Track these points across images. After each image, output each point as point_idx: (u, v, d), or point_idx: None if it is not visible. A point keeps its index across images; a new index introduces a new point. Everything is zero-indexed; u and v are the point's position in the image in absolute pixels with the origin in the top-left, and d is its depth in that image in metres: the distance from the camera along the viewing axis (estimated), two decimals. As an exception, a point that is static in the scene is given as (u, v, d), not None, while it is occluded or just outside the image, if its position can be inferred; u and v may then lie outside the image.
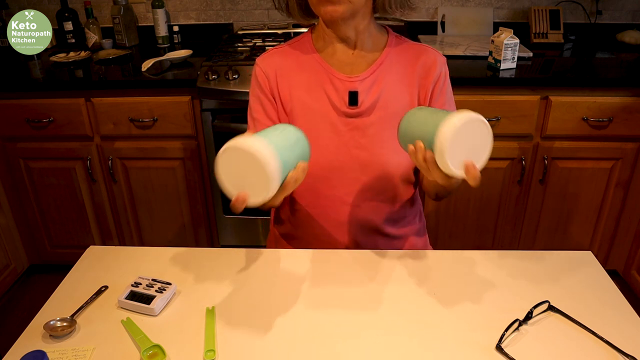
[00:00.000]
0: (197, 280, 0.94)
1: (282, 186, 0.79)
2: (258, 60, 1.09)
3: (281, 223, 1.18)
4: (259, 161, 0.71)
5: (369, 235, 1.10)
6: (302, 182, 1.05)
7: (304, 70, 1.05)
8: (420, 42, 2.07)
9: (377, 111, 1.03)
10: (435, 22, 2.29)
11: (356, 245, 1.10)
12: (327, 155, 1.04)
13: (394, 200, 1.09)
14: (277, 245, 1.20)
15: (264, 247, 1.17)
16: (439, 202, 1.98)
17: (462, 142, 0.76)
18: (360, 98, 1.03)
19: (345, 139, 1.04)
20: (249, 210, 2.01)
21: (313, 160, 1.03)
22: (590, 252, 1.01)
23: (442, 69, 1.05)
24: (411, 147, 0.82)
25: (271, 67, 1.06)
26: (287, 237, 1.18)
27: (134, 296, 0.87)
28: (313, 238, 1.12)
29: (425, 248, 1.21)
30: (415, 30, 2.30)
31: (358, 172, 1.05)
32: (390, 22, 2.27)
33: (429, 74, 1.04)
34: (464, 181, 0.82)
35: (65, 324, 0.83)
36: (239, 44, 2.11)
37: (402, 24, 2.28)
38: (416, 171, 1.09)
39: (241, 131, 0.80)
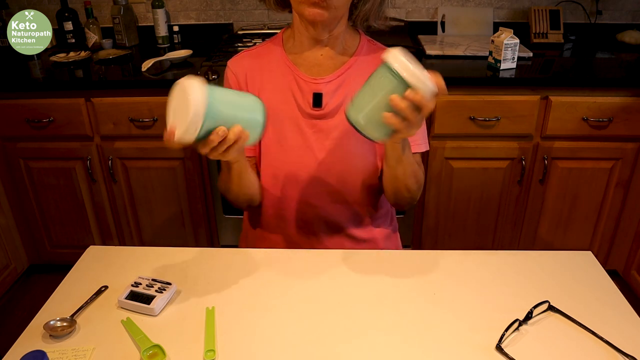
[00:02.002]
0: (197, 280, 0.94)
1: (206, 140, 0.79)
2: (229, 62, 1.09)
3: (252, 223, 1.19)
4: (187, 96, 0.75)
5: (335, 237, 1.11)
6: (268, 181, 1.06)
7: (272, 71, 1.05)
8: (419, 42, 2.06)
9: (342, 114, 1.03)
10: (435, 22, 2.29)
11: (322, 246, 1.11)
12: (292, 156, 1.04)
13: (359, 203, 1.09)
14: (247, 244, 1.21)
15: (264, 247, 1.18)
16: (439, 202, 1.98)
17: (409, 61, 0.78)
18: (324, 100, 1.03)
19: (309, 141, 1.04)
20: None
21: (277, 161, 1.04)
22: (590, 252, 1.01)
23: None
24: (387, 114, 0.79)
25: (241, 69, 1.07)
26: (256, 236, 1.19)
27: (134, 296, 0.87)
28: (280, 238, 1.13)
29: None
30: (415, 30, 2.30)
31: (323, 174, 1.05)
32: (390, 22, 2.27)
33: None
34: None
35: (65, 324, 0.83)
36: (239, 44, 2.11)
37: (403, 23, 2.29)
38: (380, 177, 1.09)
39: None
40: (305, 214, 1.09)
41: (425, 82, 0.77)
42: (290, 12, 1.03)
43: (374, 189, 1.10)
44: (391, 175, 1.01)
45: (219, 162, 0.95)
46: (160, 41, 2.29)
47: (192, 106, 0.74)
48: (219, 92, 0.80)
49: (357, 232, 1.12)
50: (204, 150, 0.81)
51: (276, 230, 1.13)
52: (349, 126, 1.01)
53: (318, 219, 1.09)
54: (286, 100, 1.04)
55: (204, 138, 0.79)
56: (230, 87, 1.07)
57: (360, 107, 0.81)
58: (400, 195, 1.04)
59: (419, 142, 1.06)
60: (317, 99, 1.03)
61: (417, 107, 0.78)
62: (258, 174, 1.10)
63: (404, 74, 0.77)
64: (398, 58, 0.77)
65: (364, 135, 0.83)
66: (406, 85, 0.77)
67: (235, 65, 1.08)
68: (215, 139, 0.79)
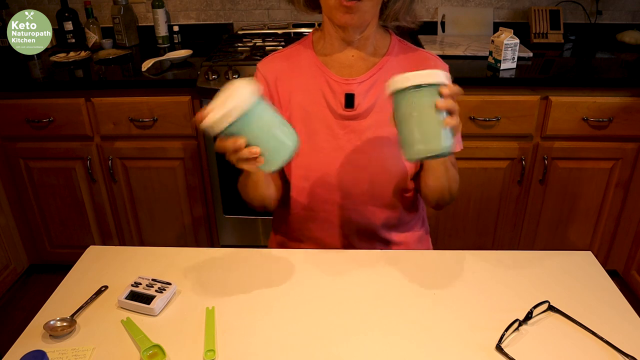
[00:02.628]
0: (197, 280, 0.94)
1: (226, 140, 0.78)
2: (259, 65, 1.09)
3: (280, 226, 1.18)
4: (235, 93, 0.76)
5: (366, 240, 1.10)
6: (299, 183, 1.06)
7: (303, 73, 1.05)
8: (419, 42, 2.06)
9: (374, 115, 1.03)
10: (435, 22, 2.29)
11: (353, 249, 1.10)
12: (324, 158, 1.04)
13: (392, 205, 1.08)
14: (275, 245, 1.20)
15: (264, 247, 1.17)
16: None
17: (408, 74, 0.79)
18: (356, 101, 1.02)
19: (342, 142, 1.03)
20: (249, 211, 2.02)
21: (310, 162, 1.04)
22: (590, 252, 1.01)
23: None
24: (447, 120, 0.78)
25: (271, 71, 1.06)
26: (286, 240, 1.18)
27: (134, 296, 0.87)
28: (310, 241, 1.12)
29: None
30: (415, 31, 2.29)
31: (354, 175, 1.04)
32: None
33: None
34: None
35: (65, 324, 0.83)
36: (239, 44, 2.11)
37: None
38: (416, 177, 1.09)
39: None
40: (336, 216, 1.08)
41: (439, 74, 0.78)
42: (320, 13, 1.03)
43: (406, 191, 1.09)
44: (439, 184, 1.02)
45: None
46: (160, 41, 2.29)
47: (233, 102, 0.75)
48: (263, 107, 0.79)
49: (389, 235, 1.11)
50: (219, 146, 0.80)
51: (307, 233, 1.12)
52: (382, 126, 1.02)
53: (349, 222, 1.08)
54: (317, 102, 1.04)
55: (225, 136, 0.79)
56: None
57: (415, 139, 0.79)
58: (443, 199, 1.05)
59: (458, 141, 1.06)
60: (350, 100, 1.02)
61: (453, 98, 0.79)
62: (284, 176, 1.09)
63: (427, 80, 0.77)
64: (404, 77, 0.77)
65: (438, 156, 0.81)
66: (432, 88, 0.77)
67: (265, 68, 1.08)
68: (230, 145, 0.78)
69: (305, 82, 1.04)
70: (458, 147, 1.05)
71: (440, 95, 0.78)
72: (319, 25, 1.09)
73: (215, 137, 0.80)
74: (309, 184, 1.06)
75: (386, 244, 1.12)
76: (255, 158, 0.79)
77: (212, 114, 0.76)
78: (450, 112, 0.79)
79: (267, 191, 1.04)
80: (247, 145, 0.78)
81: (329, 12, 0.95)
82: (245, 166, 0.82)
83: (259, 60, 1.89)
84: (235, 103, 0.75)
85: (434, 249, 1.05)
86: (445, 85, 0.78)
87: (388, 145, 1.02)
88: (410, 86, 0.77)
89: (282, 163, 0.82)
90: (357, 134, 1.03)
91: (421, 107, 0.78)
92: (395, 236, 1.12)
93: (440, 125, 0.78)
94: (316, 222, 1.10)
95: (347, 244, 1.10)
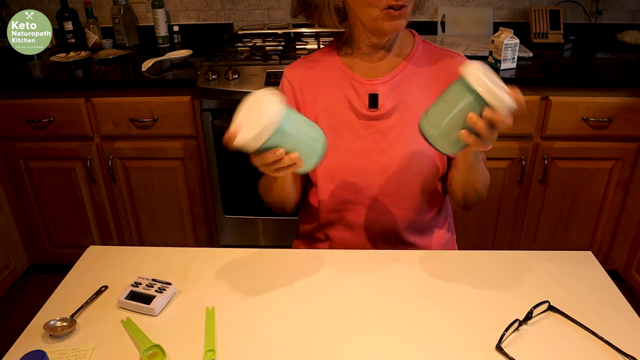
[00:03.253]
0: (197, 280, 0.94)
1: (263, 154, 0.80)
2: (285, 71, 1.10)
3: (306, 225, 1.19)
4: (263, 108, 0.77)
5: (391, 243, 1.10)
6: (325, 185, 1.06)
7: (328, 76, 1.06)
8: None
9: (398, 115, 1.03)
10: (435, 22, 2.29)
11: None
12: (349, 159, 1.04)
13: (417, 207, 1.08)
14: (299, 246, 1.21)
15: (264, 247, 1.17)
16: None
17: (487, 76, 0.77)
18: (380, 101, 1.02)
19: (366, 142, 1.03)
20: (249, 210, 2.02)
21: (335, 163, 1.04)
22: (590, 252, 1.01)
23: None
24: (464, 132, 0.78)
25: (296, 76, 1.08)
26: (311, 240, 1.18)
27: (134, 296, 0.87)
28: (335, 242, 1.12)
29: None
30: (416, 30, 2.29)
31: (379, 176, 1.04)
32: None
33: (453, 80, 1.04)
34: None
35: (65, 324, 0.83)
36: (239, 44, 2.11)
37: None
38: (443, 179, 1.08)
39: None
40: (361, 218, 1.08)
41: (503, 99, 0.75)
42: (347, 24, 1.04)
43: (433, 192, 1.08)
44: (461, 180, 1.01)
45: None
46: (160, 41, 2.29)
47: (266, 119, 0.76)
48: (291, 114, 0.81)
49: (414, 238, 1.11)
50: (257, 163, 0.83)
51: (331, 234, 1.12)
52: (406, 126, 1.02)
53: (374, 223, 1.08)
54: (341, 104, 1.04)
55: (261, 152, 0.80)
56: (284, 95, 1.08)
57: (435, 121, 0.80)
58: (468, 197, 1.05)
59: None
60: (373, 100, 1.03)
61: (493, 125, 0.78)
62: (306, 179, 1.11)
63: (483, 93, 0.75)
64: (476, 74, 0.76)
65: (435, 148, 0.82)
66: (484, 102, 0.76)
67: (291, 73, 1.09)
68: (271, 157, 0.80)
69: (330, 85, 1.05)
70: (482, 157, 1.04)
71: (481, 113, 0.77)
72: (341, 34, 1.10)
73: (251, 154, 0.82)
74: (334, 185, 1.06)
75: (410, 247, 1.11)
76: (295, 163, 0.82)
77: (245, 134, 0.77)
78: (477, 133, 0.78)
79: (291, 193, 1.06)
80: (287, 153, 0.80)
81: (372, 23, 0.95)
82: (283, 173, 0.84)
83: (259, 60, 1.91)
84: (267, 119, 0.76)
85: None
86: (494, 109, 0.76)
87: (413, 145, 1.02)
88: (469, 83, 0.76)
89: (319, 160, 0.85)
90: (381, 134, 1.03)
91: (460, 106, 0.78)
92: (419, 240, 1.11)
93: (456, 130, 0.79)
94: (341, 223, 1.10)
95: (371, 246, 1.10)
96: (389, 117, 1.03)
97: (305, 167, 0.85)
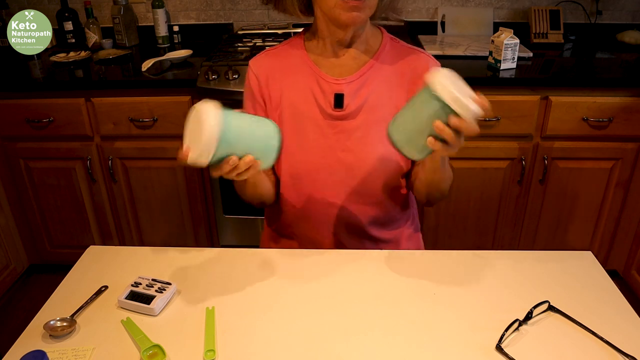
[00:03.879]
0: (197, 280, 0.94)
1: (219, 166, 0.81)
2: (251, 62, 1.09)
3: (272, 222, 1.19)
4: (202, 121, 0.76)
5: (355, 238, 1.10)
6: (288, 182, 1.06)
7: (294, 71, 1.05)
8: (419, 42, 2.06)
9: (363, 114, 1.02)
10: (435, 22, 2.29)
11: (342, 246, 1.10)
12: (313, 157, 1.04)
13: (381, 203, 1.08)
14: (269, 244, 1.21)
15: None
16: (439, 202, 1.97)
17: (454, 83, 0.78)
18: (346, 101, 1.02)
19: (331, 141, 1.03)
20: (249, 210, 2.02)
21: (299, 161, 1.04)
22: (590, 252, 1.01)
23: None
24: (430, 139, 0.80)
25: (262, 69, 1.07)
26: (277, 235, 1.18)
27: (134, 296, 0.87)
28: (300, 238, 1.13)
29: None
30: (415, 30, 2.30)
31: (344, 174, 1.04)
32: (390, 22, 2.27)
33: (420, 80, 1.03)
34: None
35: (65, 324, 0.83)
36: (239, 44, 2.11)
37: (402, 24, 2.28)
38: (407, 175, 1.09)
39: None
40: (325, 215, 1.08)
41: (470, 107, 0.76)
42: (310, 15, 1.03)
43: (396, 190, 1.09)
44: (426, 181, 1.02)
45: None
46: (160, 41, 2.29)
47: (206, 133, 0.76)
48: (234, 118, 0.81)
49: (379, 233, 1.11)
50: (216, 174, 0.83)
51: (297, 230, 1.13)
52: (372, 126, 1.02)
53: (339, 220, 1.08)
54: (307, 101, 1.04)
55: (216, 163, 0.81)
56: (250, 88, 1.07)
57: (403, 128, 0.82)
58: (432, 196, 1.06)
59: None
60: (339, 100, 1.02)
61: (459, 132, 0.79)
62: (276, 174, 1.10)
63: (449, 101, 0.76)
64: (443, 82, 0.77)
65: (403, 154, 0.84)
66: (450, 110, 0.77)
67: (256, 65, 1.08)
68: (226, 168, 0.81)
69: (296, 80, 1.05)
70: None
71: (448, 121, 0.78)
72: (307, 28, 1.09)
73: (208, 167, 0.82)
74: (298, 182, 1.06)
75: (375, 242, 1.12)
76: (252, 165, 0.82)
77: (193, 152, 0.78)
78: (444, 140, 0.79)
79: (265, 189, 1.06)
80: (241, 158, 0.81)
81: (330, 12, 0.94)
82: (245, 176, 0.85)
83: (259, 60, 1.90)
84: (207, 134, 0.76)
85: (434, 249, 1.05)
86: (461, 117, 0.77)
87: (378, 145, 1.02)
88: (435, 91, 0.77)
89: (277, 154, 0.85)
90: (346, 134, 1.03)
91: (427, 113, 0.79)
92: (384, 234, 1.12)
93: (422, 137, 0.80)
94: (305, 219, 1.10)
95: (337, 241, 1.11)
96: (354, 118, 1.03)
97: (264, 164, 0.85)
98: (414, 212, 1.20)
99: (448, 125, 0.78)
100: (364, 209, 1.08)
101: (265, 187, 1.06)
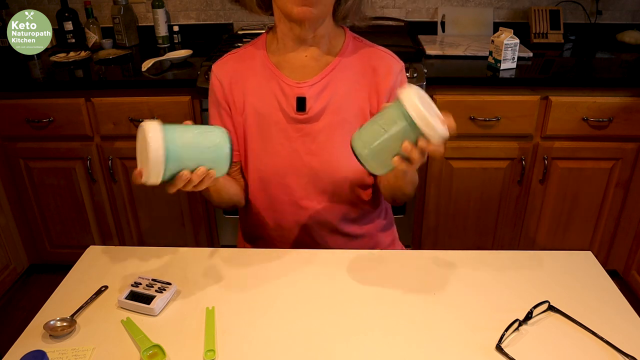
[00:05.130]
0: (197, 280, 0.94)
1: (173, 182, 0.81)
2: (214, 67, 1.08)
3: (245, 223, 1.19)
4: (146, 143, 0.76)
5: (328, 236, 1.11)
6: (256, 185, 1.07)
7: (256, 75, 1.04)
8: (419, 42, 2.06)
9: (327, 117, 1.02)
10: (435, 22, 2.29)
11: (316, 245, 1.11)
12: (279, 160, 1.04)
13: (350, 201, 1.09)
14: (244, 245, 1.21)
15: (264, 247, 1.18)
16: (439, 202, 1.98)
17: (424, 103, 0.77)
18: (308, 104, 1.01)
19: (296, 145, 1.03)
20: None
21: (265, 165, 1.04)
22: (590, 252, 1.01)
23: (397, 77, 1.03)
24: (396, 159, 0.80)
25: (225, 74, 1.06)
26: (250, 237, 1.19)
27: (134, 296, 0.87)
28: (273, 237, 1.13)
29: (393, 244, 1.22)
30: (415, 30, 2.30)
31: (310, 177, 1.05)
32: (390, 22, 2.28)
33: (383, 81, 1.02)
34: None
35: (65, 324, 0.83)
36: (239, 44, 2.10)
37: (403, 23, 2.29)
38: (374, 175, 1.09)
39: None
40: (296, 216, 1.09)
41: (437, 129, 0.76)
42: (272, 14, 1.02)
43: (364, 187, 1.09)
44: (390, 185, 1.03)
45: None
46: (160, 41, 2.29)
47: (151, 153, 0.76)
48: (179, 134, 0.80)
49: (351, 229, 1.12)
50: (171, 190, 0.83)
51: (269, 231, 1.13)
52: (336, 128, 1.02)
53: (309, 220, 1.09)
54: (270, 105, 1.03)
55: (170, 180, 0.81)
56: (215, 93, 1.07)
57: (368, 142, 0.81)
58: (397, 198, 1.07)
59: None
60: (301, 103, 1.01)
61: (424, 152, 0.79)
62: (244, 177, 1.11)
63: (419, 122, 0.76)
64: (413, 101, 0.76)
65: (364, 167, 0.84)
66: (419, 130, 0.76)
67: (219, 70, 1.07)
68: (179, 182, 0.81)
69: (259, 84, 1.04)
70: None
71: (416, 141, 0.78)
72: (270, 28, 1.08)
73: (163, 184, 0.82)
74: (266, 184, 1.07)
75: (349, 238, 1.13)
76: (207, 176, 0.82)
77: (145, 174, 0.78)
78: (409, 159, 0.79)
79: (231, 192, 1.06)
80: (193, 171, 0.80)
81: (283, 7, 0.93)
82: (203, 187, 0.84)
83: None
84: (153, 153, 0.76)
85: (434, 249, 1.05)
86: (429, 139, 0.77)
87: (342, 147, 1.01)
88: (405, 110, 0.76)
89: (229, 160, 0.84)
90: (310, 137, 1.03)
91: (395, 132, 0.79)
92: (356, 229, 1.13)
93: (390, 157, 0.80)
94: (276, 220, 1.11)
95: (310, 241, 1.11)
96: (317, 120, 1.02)
97: (219, 172, 0.84)
98: (387, 206, 1.20)
99: (415, 147, 0.78)
100: (334, 207, 1.08)
101: (232, 191, 1.06)
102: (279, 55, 1.04)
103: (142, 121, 1.86)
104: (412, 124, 0.76)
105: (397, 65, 1.04)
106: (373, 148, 0.81)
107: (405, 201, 1.08)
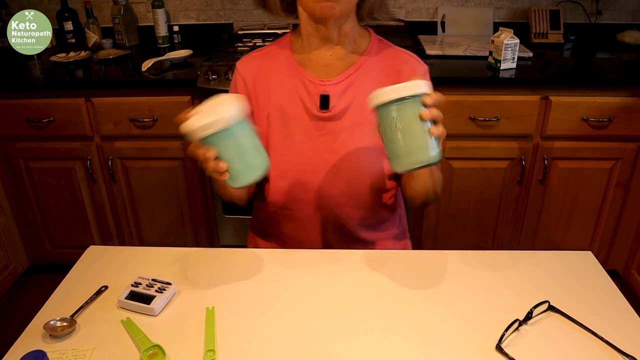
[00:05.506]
0: (197, 280, 0.94)
1: (198, 149, 0.80)
2: (238, 64, 1.08)
3: (258, 221, 1.19)
4: (222, 108, 0.78)
5: (342, 239, 1.10)
6: (275, 181, 1.06)
7: (281, 73, 1.05)
8: (419, 42, 2.06)
9: (349, 116, 1.02)
10: (435, 22, 2.29)
11: (329, 247, 1.10)
12: (299, 158, 1.04)
13: (368, 205, 1.08)
14: (255, 244, 1.21)
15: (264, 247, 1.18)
16: (439, 202, 1.98)
17: (390, 88, 0.78)
18: (331, 102, 1.02)
19: (317, 142, 1.03)
20: (249, 211, 2.01)
21: (286, 162, 1.04)
22: (590, 252, 1.01)
23: None
24: (432, 129, 0.78)
25: (250, 71, 1.06)
26: (263, 236, 1.19)
27: (134, 296, 0.87)
28: (287, 238, 1.13)
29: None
30: (415, 30, 2.30)
31: (330, 175, 1.04)
32: (390, 22, 2.27)
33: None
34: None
35: (65, 324, 0.83)
36: (239, 44, 2.11)
37: (403, 24, 2.28)
38: (397, 178, 1.08)
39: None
40: (312, 216, 1.08)
41: (420, 84, 0.77)
42: (297, 17, 1.02)
43: (383, 190, 1.09)
44: (423, 189, 1.02)
45: None
46: (160, 41, 2.29)
47: (216, 116, 0.76)
48: (244, 129, 0.81)
49: (365, 235, 1.11)
50: (191, 151, 0.83)
51: (284, 229, 1.12)
52: (358, 128, 1.02)
53: (325, 221, 1.08)
54: (293, 103, 1.03)
55: (200, 143, 0.80)
56: (237, 91, 1.07)
57: (402, 152, 0.79)
58: (428, 199, 1.06)
59: None
60: (324, 101, 1.02)
61: (438, 105, 0.79)
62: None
63: (404, 93, 0.76)
64: (385, 91, 0.77)
65: (428, 165, 0.82)
66: (414, 98, 0.77)
67: (243, 67, 1.07)
68: (201, 154, 0.81)
69: (283, 82, 1.04)
70: None
71: (424, 105, 0.78)
72: (294, 26, 1.08)
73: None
74: (285, 183, 1.06)
75: (363, 243, 1.12)
76: (221, 173, 0.81)
77: (194, 120, 0.78)
78: (434, 121, 0.79)
79: (235, 193, 1.06)
80: (217, 158, 0.80)
81: (307, 6, 0.93)
82: (211, 175, 0.84)
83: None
84: (218, 116, 0.76)
85: (434, 249, 1.05)
86: (427, 94, 0.78)
87: (364, 147, 1.02)
88: (393, 99, 0.77)
89: (246, 184, 0.83)
90: (332, 135, 1.03)
91: (406, 119, 0.78)
92: (372, 235, 1.12)
93: (426, 135, 0.79)
94: (292, 220, 1.10)
95: (324, 242, 1.11)
96: (340, 119, 1.02)
97: (232, 181, 0.82)
98: (401, 213, 1.20)
99: (428, 108, 0.78)
100: (351, 210, 1.07)
101: (235, 193, 1.06)
102: (303, 54, 1.04)
103: (142, 121, 1.87)
104: (403, 101, 0.77)
105: (420, 68, 1.05)
106: (408, 149, 0.79)
107: (433, 202, 1.08)
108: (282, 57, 1.05)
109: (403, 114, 0.78)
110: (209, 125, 0.77)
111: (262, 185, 1.11)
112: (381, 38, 1.08)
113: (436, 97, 0.78)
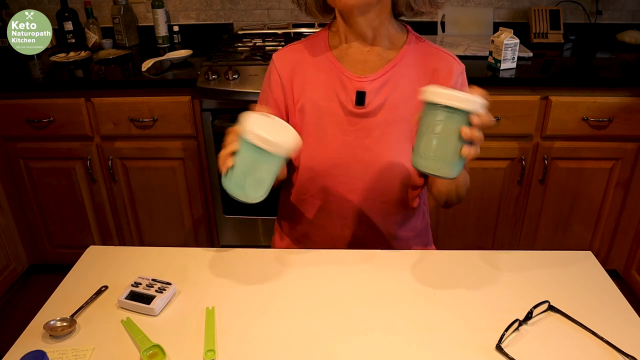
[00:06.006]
0: (197, 280, 0.94)
1: (235, 141, 0.84)
2: (274, 56, 1.08)
3: (285, 217, 1.19)
4: (281, 129, 0.85)
5: (370, 235, 1.11)
6: (305, 175, 1.07)
7: (317, 67, 1.05)
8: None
9: (384, 113, 1.02)
10: (435, 22, 2.29)
11: (357, 241, 1.10)
12: (331, 152, 1.04)
13: (397, 201, 1.08)
14: (281, 240, 1.21)
15: (264, 247, 1.17)
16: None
17: (449, 91, 0.78)
18: (367, 99, 1.02)
19: (350, 138, 1.03)
20: (249, 210, 2.02)
21: (318, 156, 1.04)
22: (590, 252, 1.01)
23: (458, 79, 1.03)
24: (465, 149, 0.78)
25: (286, 64, 1.06)
26: (291, 231, 1.18)
27: (134, 296, 0.87)
28: (316, 232, 1.13)
29: (426, 246, 1.22)
30: (416, 30, 2.29)
31: (361, 172, 1.04)
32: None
33: (444, 82, 1.02)
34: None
35: (65, 324, 0.83)
36: (239, 44, 2.11)
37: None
38: (424, 176, 1.08)
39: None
40: (342, 209, 1.08)
41: (476, 100, 0.76)
42: (334, 18, 1.03)
43: (411, 188, 1.09)
44: (446, 189, 1.03)
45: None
46: (160, 41, 2.29)
47: (272, 139, 0.80)
48: (274, 163, 0.84)
49: (393, 230, 1.12)
50: (230, 130, 0.86)
51: (316, 222, 1.12)
52: (392, 125, 1.02)
53: (355, 216, 1.08)
54: (329, 97, 1.03)
55: (240, 141, 0.82)
56: (270, 82, 1.07)
57: (427, 153, 0.79)
58: (450, 201, 1.06)
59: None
60: (360, 98, 1.02)
61: (482, 129, 0.78)
62: (293, 166, 1.10)
63: (459, 104, 0.75)
64: (441, 93, 0.76)
65: (440, 177, 0.82)
66: (463, 113, 0.76)
67: (280, 60, 1.07)
68: (229, 141, 0.84)
69: (319, 76, 1.04)
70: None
71: (470, 123, 0.77)
72: (328, 25, 1.09)
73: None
74: (315, 175, 1.06)
75: (391, 238, 1.12)
76: (227, 164, 0.84)
77: (256, 124, 0.81)
78: (472, 142, 0.78)
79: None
80: (234, 154, 0.83)
81: (331, 1, 0.94)
82: (217, 159, 0.87)
83: (259, 60, 1.90)
84: (275, 141, 0.80)
85: (433, 249, 1.05)
86: (477, 114, 0.76)
87: (396, 144, 1.02)
88: (443, 105, 0.76)
89: (228, 191, 0.87)
90: (366, 132, 1.03)
91: (446, 128, 0.77)
92: (399, 231, 1.13)
93: (456, 153, 0.78)
94: (323, 211, 1.10)
95: (352, 237, 1.11)
96: (375, 116, 1.02)
97: (223, 179, 0.86)
98: (425, 208, 1.21)
99: (472, 128, 0.77)
100: (380, 206, 1.08)
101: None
102: (340, 50, 1.04)
103: (142, 121, 1.87)
104: (452, 111, 0.76)
105: (458, 67, 1.04)
106: (435, 155, 0.79)
107: (457, 204, 1.08)
108: (319, 52, 1.05)
109: (446, 122, 0.77)
110: (264, 140, 0.79)
111: (290, 176, 1.11)
112: (419, 35, 1.07)
113: (485, 120, 0.77)
